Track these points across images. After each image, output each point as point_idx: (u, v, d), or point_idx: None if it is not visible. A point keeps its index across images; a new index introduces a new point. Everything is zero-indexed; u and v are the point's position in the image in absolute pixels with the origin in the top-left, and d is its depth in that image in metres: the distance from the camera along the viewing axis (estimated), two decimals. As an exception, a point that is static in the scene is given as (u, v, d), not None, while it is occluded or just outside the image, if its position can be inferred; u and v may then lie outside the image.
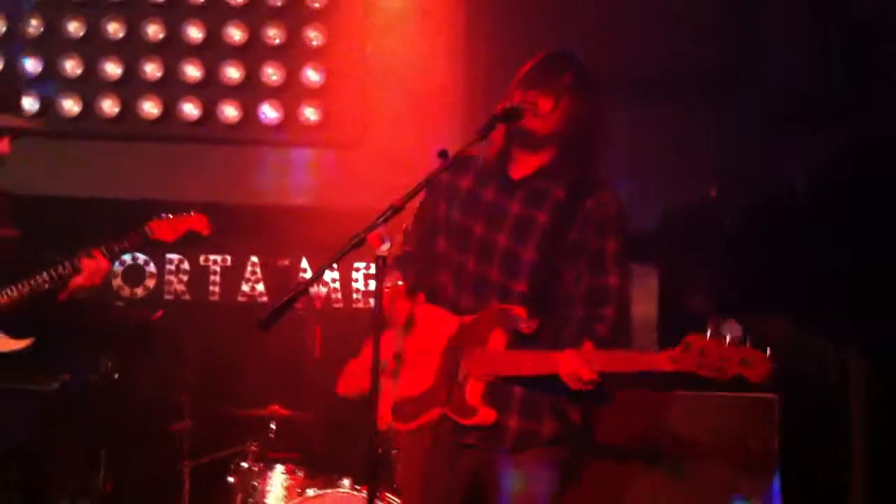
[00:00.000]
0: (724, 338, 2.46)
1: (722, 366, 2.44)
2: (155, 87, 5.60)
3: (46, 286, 3.74)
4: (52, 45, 5.64)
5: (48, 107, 5.61)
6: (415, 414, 2.81)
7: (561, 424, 2.81)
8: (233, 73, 5.57)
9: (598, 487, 3.96)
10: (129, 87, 5.61)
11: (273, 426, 4.66)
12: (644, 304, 5.27)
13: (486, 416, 2.74)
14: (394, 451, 4.14)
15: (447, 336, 2.79)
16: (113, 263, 3.77)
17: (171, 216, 3.84)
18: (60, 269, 3.73)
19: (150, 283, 5.92)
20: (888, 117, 4.73)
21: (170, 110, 5.58)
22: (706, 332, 2.48)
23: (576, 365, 2.61)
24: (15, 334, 3.81)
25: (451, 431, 2.77)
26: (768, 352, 2.43)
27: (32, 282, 3.73)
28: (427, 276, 2.93)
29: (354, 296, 5.90)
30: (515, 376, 2.74)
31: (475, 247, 2.83)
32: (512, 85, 2.85)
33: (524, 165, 2.87)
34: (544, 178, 2.85)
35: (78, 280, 3.72)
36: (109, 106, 5.59)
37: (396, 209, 2.61)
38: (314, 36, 5.58)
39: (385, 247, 2.58)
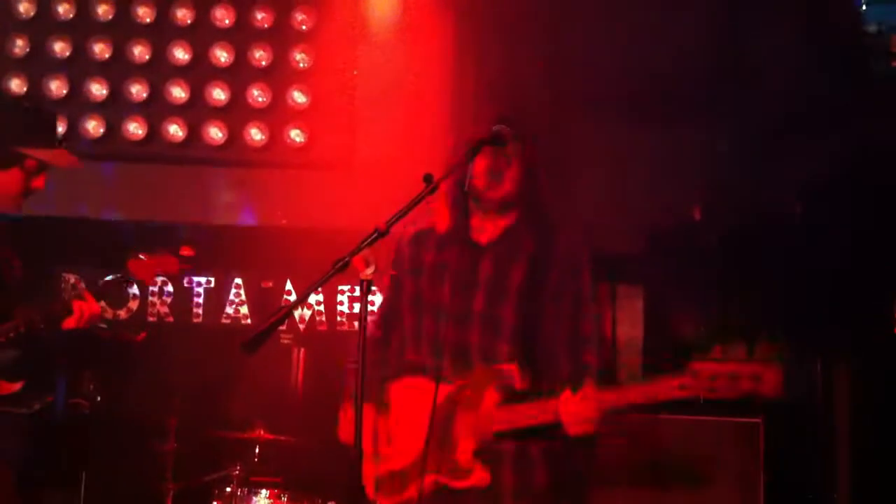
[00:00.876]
0: (730, 358, 2.46)
1: (732, 385, 2.45)
2: (140, 108, 5.59)
3: (41, 326, 3.70)
4: (36, 66, 5.62)
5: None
6: (401, 487, 2.80)
7: (553, 476, 2.81)
8: (219, 94, 5.56)
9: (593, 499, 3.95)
10: (114, 108, 5.59)
11: (257, 450, 4.62)
12: (629, 325, 5.27)
13: (482, 476, 2.73)
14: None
15: (432, 404, 2.76)
16: (100, 303, 3.75)
17: (146, 257, 3.83)
18: (53, 308, 3.70)
19: (133, 304, 5.89)
20: (873, 134, 4.76)
21: (155, 131, 5.57)
22: (709, 354, 2.47)
23: (581, 405, 2.61)
24: (7, 376, 3.78)
25: (442, 500, 2.75)
26: (777, 364, 2.43)
27: (26, 320, 3.69)
28: (405, 352, 2.94)
29: (339, 318, 5.88)
30: (511, 431, 2.73)
31: (450, 315, 2.84)
32: (466, 156, 2.84)
33: (490, 230, 2.92)
34: (513, 237, 2.90)
35: (71, 322, 3.69)
36: (94, 127, 5.57)
37: (381, 233, 2.61)
38: (300, 58, 5.58)
39: (369, 270, 2.57)
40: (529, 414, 2.69)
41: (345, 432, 2.91)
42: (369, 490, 2.82)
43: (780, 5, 4.97)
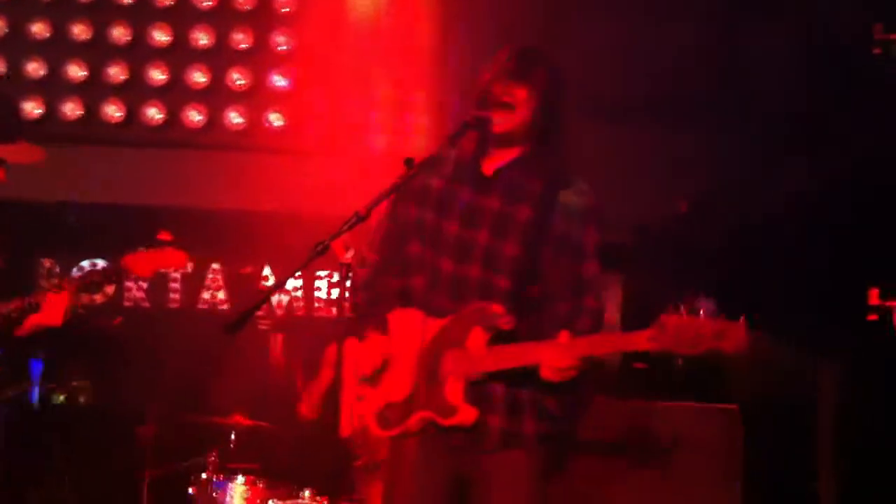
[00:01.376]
0: (698, 313, 2.46)
1: (696, 341, 2.45)
2: (119, 91, 5.54)
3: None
4: (15, 47, 5.56)
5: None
6: (398, 419, 2.80)
7: (543, 423, 2.80)
8: (198, 77, 5.52)
9: (578, 486, 3.97)
10: (93, 91, 5.54)
11: (233, 436, 4.60)
12: (607, 312, 5.28)
13: (467, 414, 2.72)
14: (356, 464, 4.11)
15: (424, 339, 2.76)
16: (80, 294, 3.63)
17: (146, 250, 3.71)
18: (17, 304, 3.58)
19: (109, 289, 5.84)
20: (869, 141, 4.78)
21: (134, 114, 5.52)
22: (679, 310, 2.48)
23: (555, 354, 2.61)
24: None
25: (435, 434, 2.76)
26: (742, 320, 2.43)
27: None
28: (400, 280, 2.90)
29: (317, 304, 5.87)
30: (497, 372, 2.72)
31: (452, 247, 2.81)
32: (483, 75, 2.82)
33: (496, 159, 2.86)
34: (520, 171, 2.84)
35: (35, 318, 3.57)
36: (72, 109, 5.51)
37: (361, 217, 2.60)
38: (282, 41, 5.55)
39: (349, 254, 2.56)
40: (513, 356, 2.69)
41: (305, 405, 2.90)
42: (371, 424, 2.81)
43: (777, 11, 4.97)
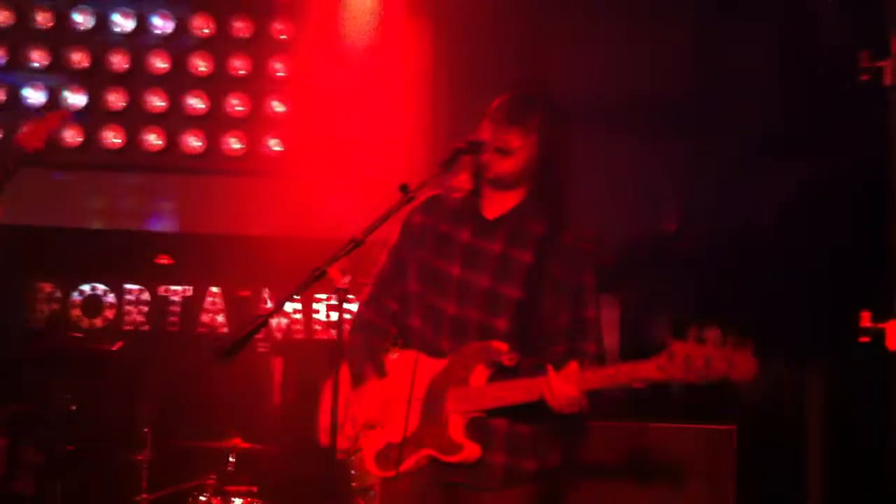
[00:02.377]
0: (706, 342, 2.48)
1: (706, 370, 2.46)
2: (118, 117, 5.59)
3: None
4: (13, 74, 5.61)
5: (7, 134, 5.57)
6: (398, 460, 2.80)
7: (544, 459, 2.81)
8: (197, 103, 5.57)
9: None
10: (93, 117, 5.59)
11: (232, 459, 4.61)
12: (605, 334, 5.30)
13: (471, 451, 2.73)
14: (353, 485, 4.13)
15: (428, 379, 2.78)
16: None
17: (29, 124, 3.76)
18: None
19: (109, 313, 5.87)
20: (850, 151, 4.82)
21: (133, 140, 5.57)
22: (688, 337, 2.49)
23: (563, 384, 2.61)
24: None
25: (436, 473, 2.77)
26: (750, 349, 2.44)
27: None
28: (399, 318, 2.93)
29: (316, 327, 5.89)
30: (499, 408, 2.73)
31: (453, 289, 2.82)
32: (482, 124, 2.85)
33: (498, 205, 2.88)
34: (521, 216, 2.86)
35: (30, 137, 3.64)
36: (72, 136, 5.56)
37: (358, 243, 2.61)
38: (279, 67, 5.60)
39: (346, 280, 2.58)
40: (518, 392, 2.68)
41: (324, 433, 2.91)
42: (370, 464, 2.82)
43: (760, 23, 5.02)
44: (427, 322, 2.84)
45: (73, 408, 4.95)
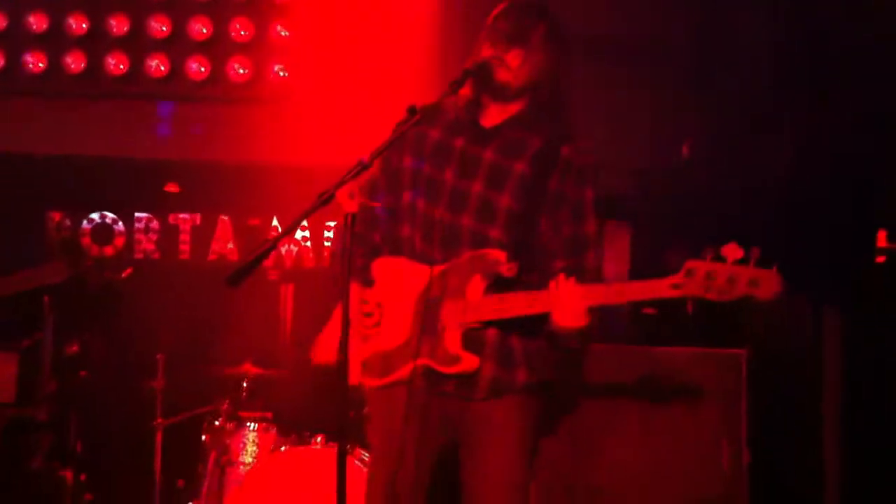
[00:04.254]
0: (725, 260, 2.43)
1: (730, 288, 2.40)
2: (121, 43, 5.51)
3: None
4: (16, 2, 5.53)
5: (11, 63, 5.51)
6: (387, 369, 2.79)
7: (538, 373, 2.79)
8: (200, 28, 5.48)
9: (575, 435, 4.01)
10: (95, 44, 5.51)
11: (245, 385, 4.65)
12: (615, 262, 5.29)
13: (469, 362, 2.71)
14: (364, 411, 4.16)
15: (419, 287, 2.74)
16: None
17: None
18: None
19: (119, 242, 5.87)
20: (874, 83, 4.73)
21: (136, 67, 5.50)
22: (704, 257, 2.44)
23: (570, 296, 2.57)
24: None
25: (426, 382, 2.75)
26: (775, 268, 2.40)
27: None
28: (390, 229, 2.89)
29: (326, 255, 5.88)
30: (497, 321, 2.70)
31: (446, 196, 2.78)
32: (480, 36, 2.81)
33: (496, 114, 2.83)
34: (518, 127, 2.81)
35: None
36: (73, 62, 5.49)
37: (365, 165, 2.57)
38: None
39: (354, 203, 2.56)
40: (519, 304, 2.65)
41: (317, 353, 2.90)
42: (355, 371, 2.80)
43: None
44: (417, 230, 2.81)
45: (87, 336, 4.98)
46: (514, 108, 2.82)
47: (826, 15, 4.74)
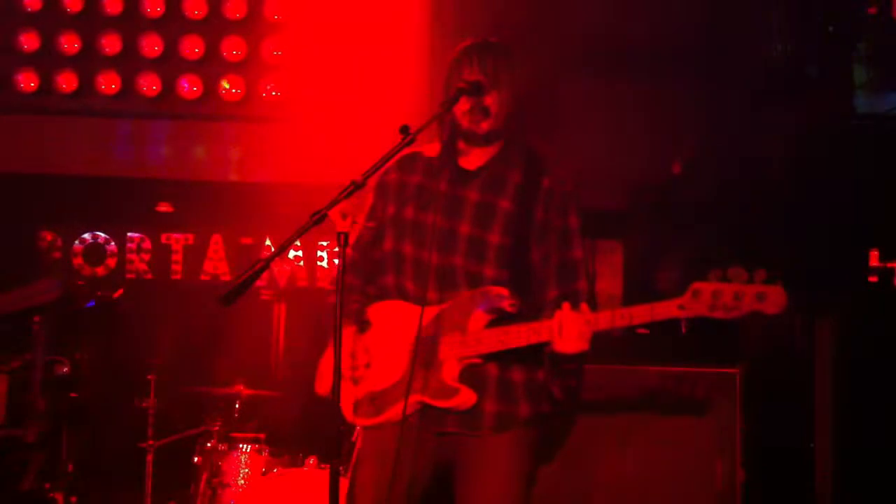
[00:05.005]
0: (731, 280, 2.46)
1: (736, 304, 2.45)
2: (113, 63, 5.50)
3: None
4: (7, 20, 5.52)
5: (4, 82, 5.50)
6: (378, 409, 2.80)
7: (540, 405, 2.81)
8: (193, 47, 5.49)
9: (569, 455, 3.99)
10: (87, 63, 5.51)
11: (237, 405, 4.63)
12: (608, 279, 5.28)
13: (467, 395, 2.72)
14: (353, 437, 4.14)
15: (416, 327, 2.75)
16: None
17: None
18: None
19: (112, 262, 5.86)
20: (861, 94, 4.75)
21: (129, 86, 5.49)
22: (709, 278, 2.48)
23: (574, 323, 2.60)
24: None
25: (424, 422, 2.75)
26: (780, 284, 2.44)
27: None
28: (376, 279, 2.92)
29: (319, 275, 5.88)
30: (496, 354, 2.72)
31: (435, 238, 2.80)
32: (450, 81, 2.83)
33: (476, 158, 2.88)
34: (499, 166, 2.87)
35: None
36: (67, 81, 5.49)
37: (358, 185, 2.59)
38: (275, 10, 5.51)
39: (347, 223, 2.55)
40: (522, 335, 2.67)
41: (321, 383, 2.90)
42: (347, 412, 2.82)
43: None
44: (405, 276, 2.83)
45: (78, 356, 4.96)
46: (493, 149, 2.88)
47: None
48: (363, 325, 2.89)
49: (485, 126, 2.81)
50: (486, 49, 2.85)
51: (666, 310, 2.52)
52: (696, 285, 2.47)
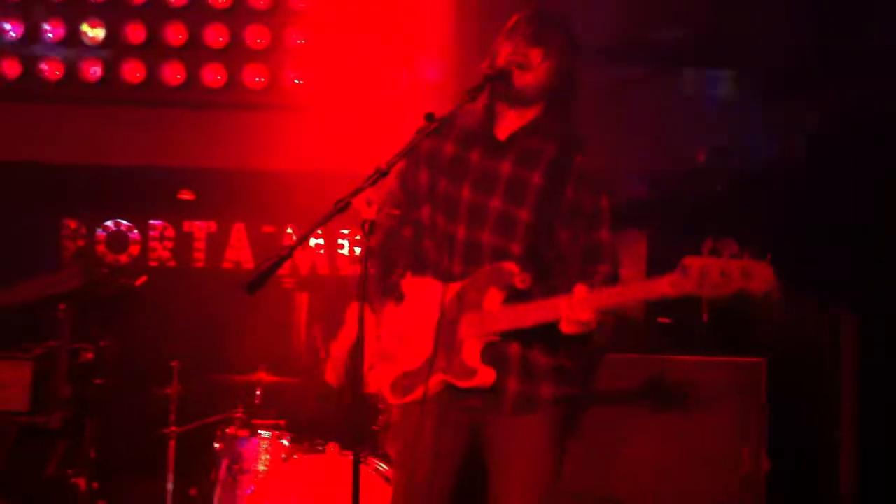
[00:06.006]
0: (720, 254, 2.40)
1: (723, 282, 2.37)
2: (138, 51, 5.52)
3: None
4: (34, 7, 5.54)
5: (29, 70, 5.53)
6: (410, 387, 2.79)
7: (560, 386, 2.79)
8: (216, 36, 5.49)
9: (597, 437, 3.99)
10: (112, 51, 5.52)
11: (258, 392, 4.64)
12: (632, 269, 5.26)
13: (486, 375, 2.71)
14: (381, 417, 4.14)
15: (441, 304, 2.74)
16: None
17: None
18: None
19: (134, 249, 5.88)
20: (879, 84, 4.70)
21: (153, 74, 5.50)
22: (702, 252, 2.42)
23: (574, 306, 2.57)
24: None
25: (448, 399, 2.75)
26: (768, 258, 2.37)
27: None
28: (413, 245, 2.90)
29: (340, 263, 5.88)
30: (513, 331, 2.70)
31: (465, 212, 2.79)
32: (497, 41, 2.81)
33: (510, 123, 2.83)
34: (533, 136, 2.82)
35: None
36: (92, 70, 5.50)
37: (382, 173, 2.58)
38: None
39: (371, 211, 2.55)
40: (531, 313, 2.65)
41: (330, 372, 2.91)
42: (386, 392, 2.82)
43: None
44: (440, 247, 2.81)
45: (102, 344, 4.99)
46: (529, 114, 2.82)
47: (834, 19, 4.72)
48: (398, 298, 2.87)
49: (528, 77, 2.75)
50: (542, 15, 2.81)
51: (657, 287, 2.46)
52: (686, 260, 2.40)
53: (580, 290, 2.58)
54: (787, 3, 4.96)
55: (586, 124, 2.85)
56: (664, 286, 2.45)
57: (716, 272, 2.38)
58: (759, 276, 2.36)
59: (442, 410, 2.76)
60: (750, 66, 5.06)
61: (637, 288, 2.57)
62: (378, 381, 2.85)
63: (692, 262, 2.40)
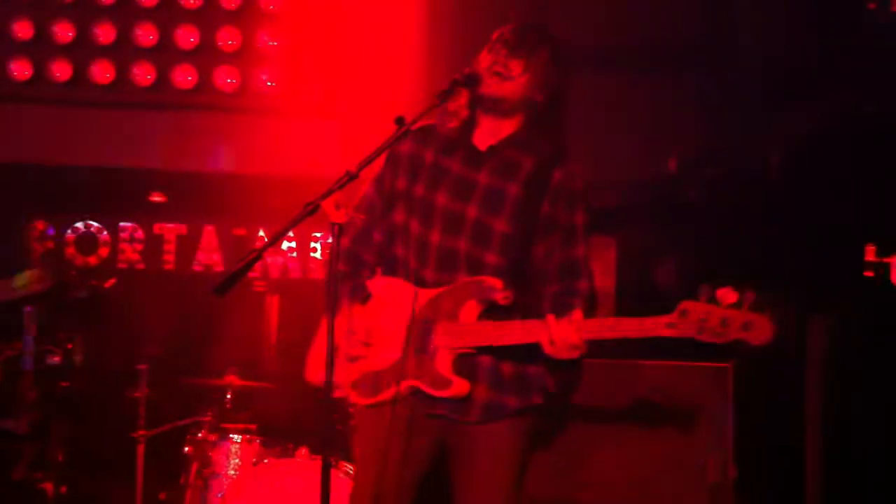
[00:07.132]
0: (720, 303, 2.44)
1: (724, 331, 2.42)
2: (107, 52, 5.48)
3: None
4: (4, 10, 5.49)
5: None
6: (376, 388, 2.78)
7: (525, 399, 2.80)
8: (187, 37, 5.46)
9: (562, 444, 3.99)
10: (81, 51, 5.48)
11: (229, 396, 4.62)
12: (601, 276, 5.28)
13: (461, 386, 2.71)
14: (352, 421, 4.14)
15: (412, 309, 2.74)
16: None
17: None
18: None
19: (104, 251, 5.84)
20: (862, 92, 4.74)
21: (123, 75, 5.47)
22: (699, 297, 2.45)
23: (565, 332, 2.58)
24: None
25: (417, 404, 2.75)
26: (769, 312, 2.41)
27: None
28: (384, 248, 2.90)
29: (312, 266, 5.87)
30: (488, 347, 2.71)
31: (440, 219, 2.79)
32: (484, 49, 2.81)
33: (491, 134, 2.84)
34: (513, 148, 2.82)
35: None
36: (60, 70, 5.46)
37: (352, 176, 2.57)
38: (270, 0, 5.49)
39: (340, 214, 2.55)
40: (514, 333, 2.66)
41: (311, 370, 2.89)
42: (346, 390, 2.81)
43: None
44: (411, 252, 2.81)
45: (69, 346, 4.95)
46: (509, 127, 2.82)
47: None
48: (364, 299, 2.86)
49: (507, 87, 2.75)
50: (526, 27, 2.80)
51: (655, 326, 2.49)
52: (685, 305, 2.45)
53: (575, 315, 2.59)
54: (776, 12, 5.00)
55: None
56: (661, 327, 2.48)
57: (716, 320, 2.43)
58: (760, 330, 2.41)
59: (411, 414, 2.76)
60: (729, 76, 5.09)
61: (632, 325, 2.55)
62: (341, 378, 2.82)
63: (693, 308, 2.44)
